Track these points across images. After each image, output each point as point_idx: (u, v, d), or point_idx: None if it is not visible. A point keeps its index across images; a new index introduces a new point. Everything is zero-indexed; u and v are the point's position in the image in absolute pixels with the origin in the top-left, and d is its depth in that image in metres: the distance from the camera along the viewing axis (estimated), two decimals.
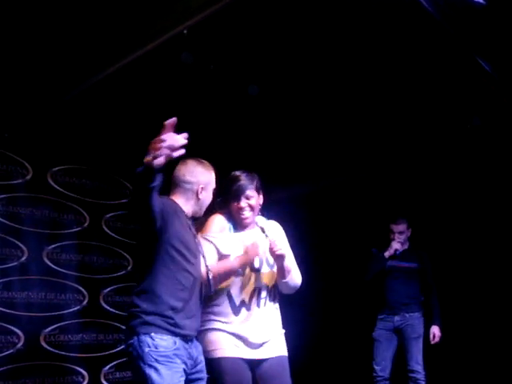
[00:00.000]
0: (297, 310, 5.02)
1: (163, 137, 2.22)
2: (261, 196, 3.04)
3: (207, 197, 2.75)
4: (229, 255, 2.87)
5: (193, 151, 2.83)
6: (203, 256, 2.74)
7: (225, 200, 3.00)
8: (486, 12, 3.23)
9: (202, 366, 2.62)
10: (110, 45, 3.59)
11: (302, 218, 5.95)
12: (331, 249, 6.13)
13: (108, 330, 4.65)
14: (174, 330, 2.43)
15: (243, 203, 2.94)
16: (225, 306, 2.87)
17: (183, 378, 2.42)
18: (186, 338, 2.49)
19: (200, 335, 2.80)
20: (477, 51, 3.69)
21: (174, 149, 2.24)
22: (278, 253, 2.86)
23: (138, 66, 3.78)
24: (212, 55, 3.84)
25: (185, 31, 3.39)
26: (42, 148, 4.51)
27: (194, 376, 2.54)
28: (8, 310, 4.08)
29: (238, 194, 2.93)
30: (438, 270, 4.92)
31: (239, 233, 3.00)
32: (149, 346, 2.34)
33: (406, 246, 4.78)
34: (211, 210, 2.97)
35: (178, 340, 2.43)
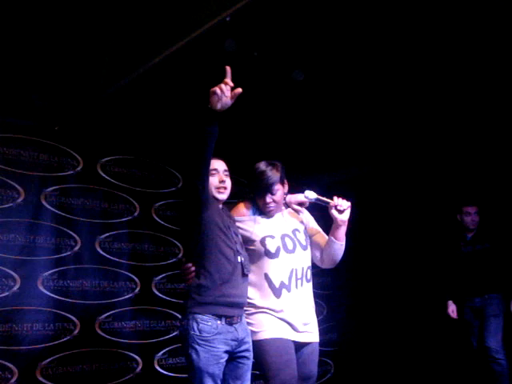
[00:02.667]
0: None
1: (228, 80, 2.52)
2: (285, 185, 3.13)
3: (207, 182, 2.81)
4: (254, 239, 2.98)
5: (237, 138, 2.86)
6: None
7: (251, 190, 3.11)
8: None
9: (249, 346, 2.79)
10: (154, 35, 3.61)
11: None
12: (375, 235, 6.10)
13: (160, 317, 4.73)
14: (220, 306, 2.65)
15: (268, 199, 3.01)
16: (265, 289, 2.95)
17: (223, 360, 2.65)
18: (230, 318, 2.68)
19: (248, 316, 2.90)
20: None
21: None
22: (344, 207, 2.97)
23: (183, 54, 3.78)
24: (255, 42, 3.81)
25: (228, 18, 3.38)
26: (92, 140, 4.60)
27: (238, 355, 2.73)
28: (64, 299, 4.19)
29: (263, 190, 3.01)
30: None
31: (266, 217, 3.09)
32: (193, 330, 2.61)
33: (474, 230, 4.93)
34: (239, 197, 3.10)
35: (220, 324, 2.65)
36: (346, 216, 3.01)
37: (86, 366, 4.19)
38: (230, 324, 2.68)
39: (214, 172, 2.86)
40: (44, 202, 4.22)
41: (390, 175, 5.86)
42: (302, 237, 3.10)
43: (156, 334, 4.67)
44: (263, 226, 3.03)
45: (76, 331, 4.20)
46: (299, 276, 2.99)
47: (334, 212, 2.99)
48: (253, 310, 2.93)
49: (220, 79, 4.20)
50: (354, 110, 4.80)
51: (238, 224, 2.99)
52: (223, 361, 2.65)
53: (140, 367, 4.48)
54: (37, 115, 4.24)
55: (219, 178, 2.88)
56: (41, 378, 3.95)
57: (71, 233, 4.33)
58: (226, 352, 2.65)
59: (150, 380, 4.53)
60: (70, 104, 4.30)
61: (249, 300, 2.91)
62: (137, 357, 4.49)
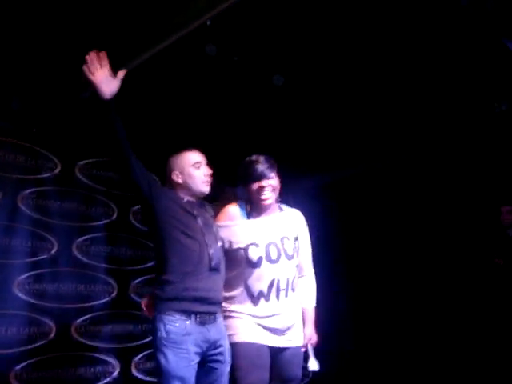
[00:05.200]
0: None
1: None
2: (278, 179, 3.02)
3: (189, 176, 2.82)
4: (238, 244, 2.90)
5: (218, 142, 2.86)
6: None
7: (243, 184, 2.99)
8: None
9: (223, 350, 2.68)
10: (133, 38, 3.60)
11: (328, 207, 5.97)
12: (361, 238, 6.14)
13: (138, 321, 4.68)
14: (185, 302, 2.56)
15: (265, 182, 2.92)
16: (243, 295, 2.88)
17: (194, 363, 2.55)
18: (200, 317, 2.59)
19: (225, 319, 2.83)
20: (505, 34, 3.62)
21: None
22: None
23: (163, 57, 3.78)
24: (236, 46, 3.82)
25: (208, 22, 3.39)
26: (70, 142, 4.56)
27: (210, 358, 2.63)
28: (40, 302, 4.14)
29: (259, 174, 2.92)
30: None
31: (256, 219, 2.98)
32: (161, 332, 2.52)
33: None
34: (227, 198, 3.06)
35: (189, 324, 2.55)
36: None
37: (62, 371, 4.13)
38: (202, 324, 2.59)
39: (197, 165, 2.83)
40: (20, 205, 4.17)
41: (381, 177, 5.89)
42: (289, 246, 2.96)
43: (133, 337, 4.63)
44: (250, 232, 2.91)
45: (52, 335, 4.15)
46: (282, 287, 2.88)
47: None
48: (229, 314, 2.86)
49: (201, 83, 4.23)
50: (336, 114, 4.83)
51: (224, 229, 2.90)
52: (194, 363, 2.55)
53: (117, 371, 4.44)
54: (14, 117, 4.20)
55: (204, 170, 2.84)
56: (15, 383, 3.89)
57: (48, 236, 4.29)
58: (197, 354, 2.55)
59: None
60: (49, 106, 4.27)
61: (226, 303, 2.87)
62: (114, 361, 4.45)
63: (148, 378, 4.63)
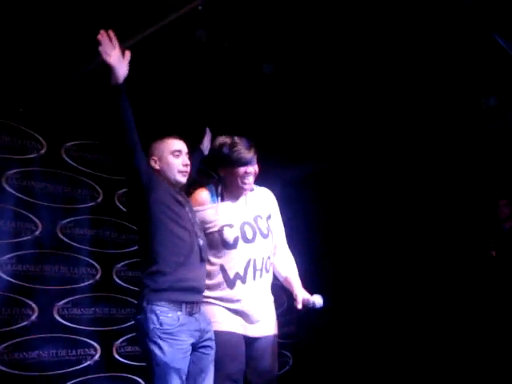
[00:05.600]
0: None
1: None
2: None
3: (167, 163, 2.71)
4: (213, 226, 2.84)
5: (204, 127, 2.86)
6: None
7: (225, 166, 2.88)
8: None
9: (211, 335, 2.66)
10: (123, 21, 3.56)
11: (311, 197, 5.97)
12: (341, 228, 6.15)
13: (120, 305, 4.69)
14: (177, 292, 2.51)
15: (250, 168, 2.86)
16: (218, 279, 2.81)
17: (188, 353, 2.51)
18: (190, 307, 2.55)
19: (204, 306, 2.76)
20: (495, 29, 3.63)
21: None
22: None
23: (153, 41, 3.76)
24: (227, 32, 3.80)
25: (200, 7, 3.37)
26: (57, 123, 4.53)
27: (200, 345, 2.59)
28: (22, 283, 4.13)
29: (247, 160, 2.84)
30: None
31: (228, 202, 2.91)
32: (154, 323, 2.43)
33: None
34: (195, 183, 2.98)
35: (181, 315, 2.50)
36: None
37: (44, 353, 4.12)
38: (191, 314, 2.54)
39: (177, 153, 2.71)
40: (5, 185, 4.15)
41: (367, 168, 5.91)
42: (263, 224, 2.93)
43: (115, 321, 4.63)
44: (223, 214, 2.86)
45: (34, 316, 4.14)
46: (258, 267, 2.85)
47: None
48: (206, 300, 2.78)
49: (191, 68, 4.20)
50: (324, 104, 4.84)
51: (197, 214, 2.82)
52: (188, 354, 2.51)
53: (98, 354, 4.44)
54: (1, 96, 4.15)
55: (183, 160, 2.72)
56: None
57: (32, 217, 4.27)
58: (191, 344, 2.51)
59: (109, 367, 4.49)
60: (36, 86, 4.23)
61: (204, 290, 2.80)
62: (95, 344, 4.44)
63: (129, 362, 4.64)
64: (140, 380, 4.64)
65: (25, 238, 4.20)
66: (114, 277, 4.72)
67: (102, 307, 4.56)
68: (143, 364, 4.51)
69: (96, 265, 4.61)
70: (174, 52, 4.00)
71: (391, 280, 5.75)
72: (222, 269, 2.82)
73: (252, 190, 3.00)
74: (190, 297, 2.57)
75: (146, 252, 2.57)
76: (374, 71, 4.25)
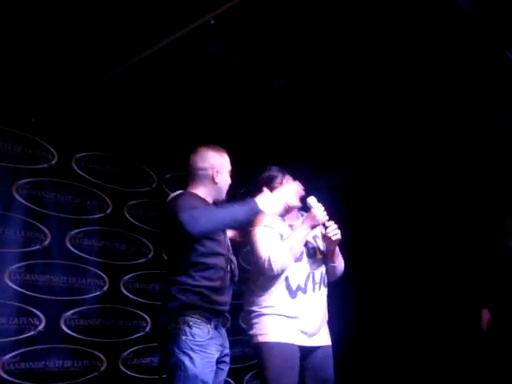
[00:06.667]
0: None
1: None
2: None
3: (224, 180, 2.73)
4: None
5: (218, 142, 2.87)
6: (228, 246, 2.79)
7: (270, 188, 2.94)
8: None
9: (228, 351, 2.67)
10: (136, 34, 3.60)
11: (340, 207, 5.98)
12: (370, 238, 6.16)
13: (127, 317, 4.69)
14: (208, 312, 2.51)
15: (288, 180, 3.08)
16: (282, 290, 2.93)
17: (214, 368, 2.49)
18: (216, 322, 2.57)
19: (254, 319, 2.92)
20: (507, 45, 3.63)
21: None
22: (335, 237, 2.95)
23: (165, 54, 3.78)
24: (239, 46, 3.82)
25: (212, 21, 3.39)
26: (68, 134, 4.56)
27: (221, 359, 2.61)
28: (30, 293, 4.12)
29: (281, 172, 3.09)
30: None
31: (289, 221, 3.11)
32: (185, 335, 2.41)
33: None
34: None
35: (211, 329, 2.50)
36: (333, 242, 3.01)
37: (50, 363, 4.12)
38: (216, 328, 2.56)
39: (230, 173, 2.77)
40: (16, 194, 4.16)
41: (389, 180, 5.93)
42: (320, 242, 3.15)
43: (122, 333, 4.62)
44: (289, 231, 3.04)
45: (41, 326, 4.13)
46: (317, 280, 3.02)
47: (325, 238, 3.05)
48: (260, 312, 2.92)
49: (202, 82, 4.22)
50: (341, 115, 4.84)
51: (265, 230, 2.94)
52: (215, 368, 2.50)
53: (104, 366, 4.43)
54: (14, 106, 4.19)
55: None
56: (2, 373, 3.87)
57: (42, 227, 4.28)
58: (216, 358, 2.51)
59: (114, 379, 4.47)
60: (49, 97, 4.27)
61: (256, 304, 2.94)
62: (102, 355, 4.43)
63: (135, 374, 4.62)
64: None
65: (34, 248, 4.21)
66: (122, 288, 4.72)
67: (109, 319, 4.56)
68: (149, 376, 4.54)
69: (104, 276, 4.61)
70: (185, 65, 4.02)
71: (406, 290, 5.75)
72: (286, 280, 2.95)
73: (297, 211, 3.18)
74: (218, 318, 2.59)
75: (180, 272, 2.52)
76: (387, 82, 4.24)
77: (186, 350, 2.39)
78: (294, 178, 3.14)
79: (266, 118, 4.82)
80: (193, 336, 2.41)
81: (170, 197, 2.67)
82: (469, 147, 5.10)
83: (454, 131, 4.91)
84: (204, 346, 2.43)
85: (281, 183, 3.06)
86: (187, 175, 2.76)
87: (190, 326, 2.43)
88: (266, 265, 2.84)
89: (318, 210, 2.96)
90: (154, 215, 5.06)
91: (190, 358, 2.38)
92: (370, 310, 6.02)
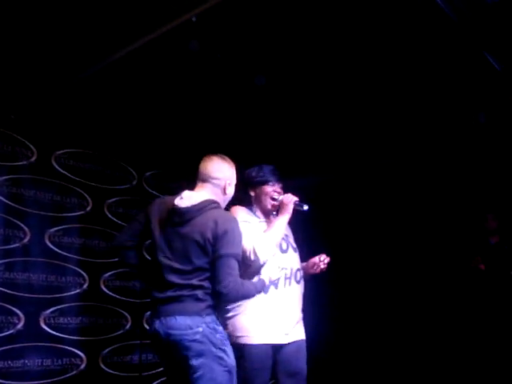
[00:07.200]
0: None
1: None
2: None
3: (231, 192, 2.87)
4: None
5: (199, 140, 2.88)
6: None
7: (253, 187, 3.25)
8: (496, 8, 3.21)
9: None
10: (118, 30, 3.58)
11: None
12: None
13: (107, 314, 4.67)
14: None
15: (278, 188, 3.21)
16: None
17: None
18: None
19: (229, 319, 3.00)
20: (486, 47, 3.68)
21: None
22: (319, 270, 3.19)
23: (146, 52, 3.77)
24: (220, 44, 3.82)
25: (193, 18, 3.39)
26: (47, 131, 4.51)
27: None
28: (9, 291, 4.09)
29: (274, 178, 3.21)
30: None
31: (264, 220, 3.25)
32: (219, 333, 2.59)
33: None
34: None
35: None
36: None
37: (29, 361, 4.09)
38: None
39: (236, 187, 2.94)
40: None
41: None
42: (291, 240, 3.28)
43: (102, 331, 4.60)
44: (263, 229, 3.13)
45: (20, 325, 4.10)
46: (288, 275, 3.10)
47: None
48: (235, 312, 3.00)
49: (183, 79, 4.22)
50: (311, 115, 4.87)
51: (245, 225, 2.99)
52: None
53: (84, 364, 4.41)
54: None
55: None
56: None
57: (21, 224, 4.24)
58: None
59: (94, 377, 4.46)
60: (28, 93, 4.23)
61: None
62: (81, 354, 4.41)
63: (115, 372, 4.61)
64: None
65: (13, 246, 4.17)
66: (102, 286, 4.70)
67: (89, 316, 4.54)
68: (129, 374, 4.53)
69: (84, 274, 4.58)
70: (166, 63, 4.01)
71: (383, 289, 5.79)
72: (258, 276, 3.00)
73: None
74: None
75: (205, 278, 2.62)
76: (370, 82, 4.27)
77: (222, 347, 2.56)
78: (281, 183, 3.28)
79: (242, 117, 4.83)
80: (221, 333, 2.60)
81: (219, 213, 2.72)
82: (449, 147, 5.15)
83: (434, 131, 4.96)
84: (227, 339, 2.64)
85: (273, 188, 3.21)
86: (197, 178, 2.83)
87: (218, 325, 2.61)
88: (253, 256, 2.92)
89: (284, 196, 3.15)
90: (134, 213, 5.04)
91: (226, 352, 2.57)
92: (348, 306, 6.08)
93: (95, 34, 3.65)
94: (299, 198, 3.20)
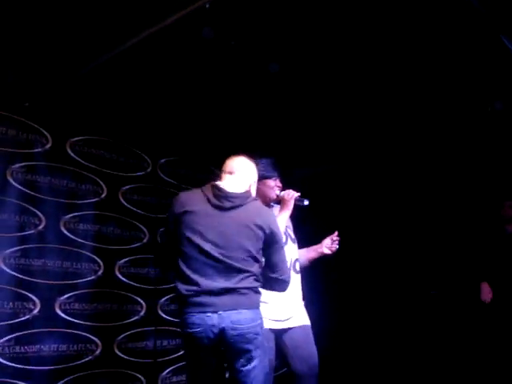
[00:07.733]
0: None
1: None
2: None
3: (254, 192, 2.94)
4: None
5: (212, 127, 2.87)
6: None
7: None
8: None
9: None
10: (131, 17, 3.57)
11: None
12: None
13: (122, 301, 4.70)
14: None
15: (279, 182, 3.29)
16: None
17: None
18: None
19: None
20: (504, 32, 3.61)
21: None
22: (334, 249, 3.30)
23: (159, 39, 3.76)
24: (234, 31, 3.80)
25: (207, 5, 3.36)
26: (62, 118, 4.53)
27: None
28: (25, 277, 4.13)
29: (276, 172, 3.28)
30: None
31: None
32: (260, 323, 2.70)
33: None
34: None
35: None
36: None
37: (45, 347, 4.14)
38: None
39: None
40: (10, 179, 4.15)
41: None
42: (291, 232, 3.33)
43: (117, 317, 4.64)
44: None
45: (36, 310, 4.14)
46: (288, 266, 3.10)
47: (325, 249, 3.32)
48: None
49: (197, 66, 4.20)
50: (326, 104, 4.83)
51: None
52: None
53: (99, 350, 4.45)
54: (7, 90, 4.16)
55: None
56: None
57: (36, 211, 4.27)
58: None
59: (109, 363, 4.50)
60: (43, 81, 4.24)
61: None
62: (96, 339, 4.46)
63: (130, 358, 4.65)
64: (140, 376, 4.66)
65: (28, 232, 4.21)
66: (117, 273, 4.73)
67: (104, 303, 4.57)
68: (144, 360, 4.58)
69: (99, 260, 4.61)
70: (180, 50, 4.00)
71: (389, 281, 5.77)
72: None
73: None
74: None
75: (258, 271, 2.72)
76: (381, 70, 4.23)
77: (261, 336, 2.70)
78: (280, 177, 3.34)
79: (254, 105, 4.81)
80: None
81: (263, 209, 2.85)
82: (465, 135, 5.09)
83: (449, 119, 4.90)
84: None
85: (275, 183, 3.29)
86: (239, 173, 2.88)
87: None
88: None
89: (285, 192, 3.21)
90: (148, 200, 5.07)
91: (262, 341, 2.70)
92: (351, 297, 6.04)
93: (110, 20, 3.65)
94: (300, 192, 3.25)
